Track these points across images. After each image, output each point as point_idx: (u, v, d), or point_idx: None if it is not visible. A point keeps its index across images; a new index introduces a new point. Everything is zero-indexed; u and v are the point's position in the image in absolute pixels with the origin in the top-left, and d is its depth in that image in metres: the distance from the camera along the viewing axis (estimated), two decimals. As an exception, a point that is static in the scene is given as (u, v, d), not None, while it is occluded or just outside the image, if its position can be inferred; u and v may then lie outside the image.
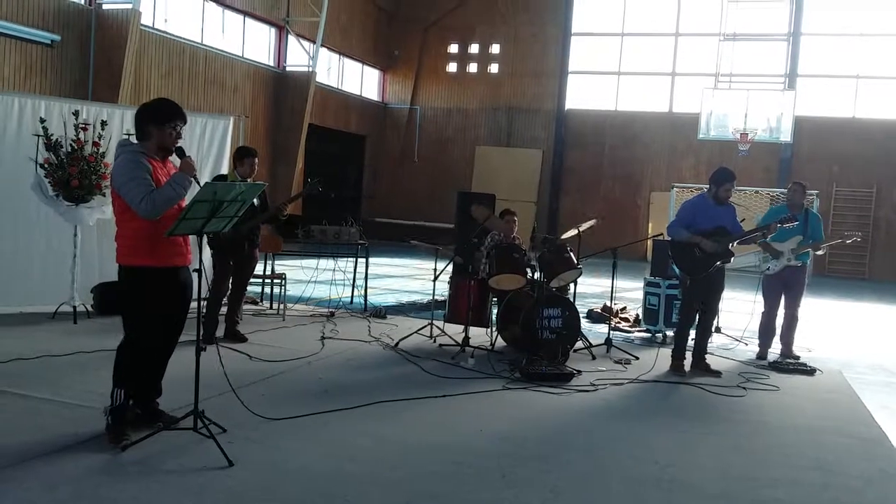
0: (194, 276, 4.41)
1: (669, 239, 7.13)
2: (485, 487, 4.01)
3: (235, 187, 4.38)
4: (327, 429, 4.76)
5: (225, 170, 8.76)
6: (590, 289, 12.64)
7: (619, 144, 23.26)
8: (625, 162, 23.16)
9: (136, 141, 4.39)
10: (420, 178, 24.48)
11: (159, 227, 4.15)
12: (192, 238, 4.43)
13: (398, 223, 22.57)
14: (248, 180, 6.95)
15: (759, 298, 8.08)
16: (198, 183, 4.32)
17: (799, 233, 7.69)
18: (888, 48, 21.09)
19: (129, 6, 14.17)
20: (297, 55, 20.45)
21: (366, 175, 24.55)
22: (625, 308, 10.21)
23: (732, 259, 7.09)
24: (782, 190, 19.32)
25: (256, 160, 7.11)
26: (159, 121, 4.30)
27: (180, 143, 4.43)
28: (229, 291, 7.15)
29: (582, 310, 10.31)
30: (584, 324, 9.42)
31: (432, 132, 25.15)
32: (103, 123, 7.75)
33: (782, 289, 7.81)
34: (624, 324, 9.51)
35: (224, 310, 7.17)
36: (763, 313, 7.91)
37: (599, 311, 10.02)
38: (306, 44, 20.28)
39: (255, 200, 6.96)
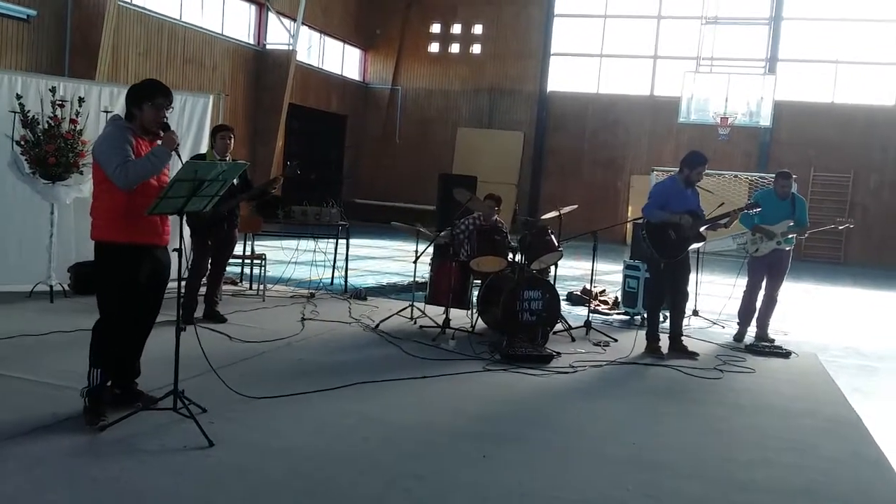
0: (174, 255, 4.39)
1: (644, 221, 7.16)
2: (466, 467, 4.04)
3: (217, 166, 4.37)
4: (308, 409, 4.77)
5: (204, 148, 8.67)
6: (570, 271, 12.67)
7: (601, 127, 23.29)
8: (606, 145, 23.21)
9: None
10: (401, 159, 24.37)
11: (137, 203, 4.11)
12: (172, 218, 4.39)
13: (379, 204, 22.49)
14: (228, 158, 6.90)
15: (740, 281, 8.17)
16: (179, 158, 4.29)
17: (789, 216, 7.78)
18: (867, 34, 21.22)
19: (107, -19, 13.92)
20: (278, 33, 20.22)
21: (347, 156, 24.40)
22: (604, 291, 10.27)
23: (705, 242, 7.19)
24: (761, 174, 19.59)
25: (231, 135, 7.04)
26: (142, 100, 4.27)
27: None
28: (208, 272, 7.10)
29: (562, 292, 10.38)
30: (564, 306, 9.48)
31: (414, 113, 25.03)
32: (80, 100, 7.63)
33: (766, 271, 7.90)
34: (603, 306, 9.57)
35: (203, 290, 7.13)
36: (744, 293, 8.00)
37: (579, 293, 10.08)
38: (287, 22, 20.05)
39: (234, 180, 6.92)
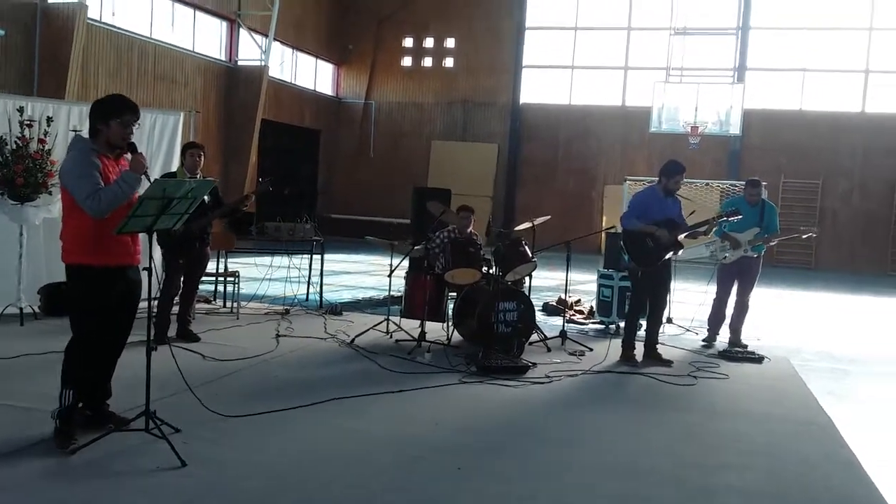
0: (144, 274, 4.35)
1: (622, 230, 7.22)
2: (445, 480, 4.04)
3: (185, 184, 4.35)
4: (285, 426, 4.74)
5: (175, 166, 8.62)
6: (545, 282, 12.73)
7: (574, 138, 23.47)
8: (579, 155, 23.38)
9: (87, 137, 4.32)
10: (376, 173, 24.36)
11: (106, 224, 4.07)
12: (142, 237, 4.36)
13: (354, 219, 22.44)
14: (199, 175, 6.87)
15: (711, 288, 8.26)
16: (148, 179, 4.26)
17: (755, 224, 7.88)
18: (834, 41, 21.62)
19: (76, 0, 13.85)
20: (250, 49, 20.21)
21: (321, 171, 24.36)
22: (579, 300, 10.33)
23: (682, 251, 7.25)
24: (732, 182, 19.78)
25: (201, 152, 7.02)
26: (109, 116, 4.20)
27: (132, 140, 4.35)
28: (181, 290, 7.04)
29: (537, 303, 10.42)
30: (540, 316, 9.53)
31: (387, 127, 25.06)
32: (49, 120, 7.55)
33: (735, 277, 7.99)
34: (578, 316, 9.62)
35: (176, 309, 7.07)
36: (714, 300, 8.10)
37: (554, 303, 10.12)
38: (258, 38, 20.05)
39: (206, 197, 6.88)
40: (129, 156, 4.27)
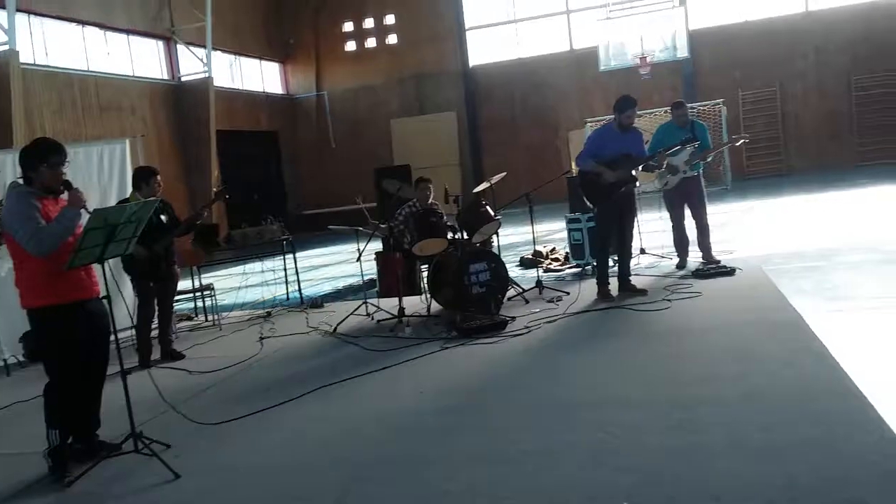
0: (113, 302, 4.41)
1: (577, 171, 7.31)
2: (435, 443, 4.16)
3: (127, 209, 4.38)
4: (273, 422, 4.85)
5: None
6: (522, 237, 12.85)
7: (529, 91, 23.48)
8: (537, 108, 23.41)
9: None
10: (340, 163, 24.34)
11: (57, 263, 4.13)
12: (96, 267, 4.41)
13: (325, 212, 22.44)
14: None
15: (665, 215, 8.38)
16: (88, 212, 4.30)
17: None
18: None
19: (6, 47, 13.72)
20: (191, 63, 20.08)
21: (285, 170, 24.33)
22: (554, 249, 10.44)
23: (639, 183, 7.35)
24: (690, 105, 19.87)
25: (159, 177, 7.02)
26: (36, 163, 4.24)
27: (67, 177, 4.38)
28: (157, 313, 7.10)
29: (514, 258, 10.57)
30: (518, 271, 9.68)
31: (344, 115, 25.00)
32: (-5, 172, 7.55)
33: (684, 201, 8.12)
34: (555, 264, 9.74)
35: (157, 333, 7.13)
36: (673, 227, 8.22)
37: (531, 256, 10.22)
38: (198, 50, 19.90)
39: (162, 218, 6.92)
40: (65, 195, 4.31)
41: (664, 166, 7.70)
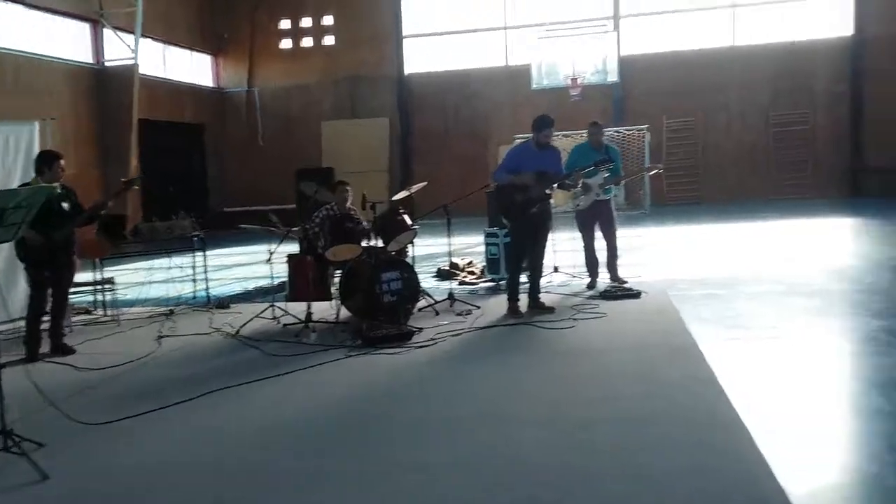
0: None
1: (493, 186, 7.36)
2: (328, 454, 4.07)
3: (17, 194, 4.22)
4: (158, 426, 4.68)
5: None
6: (442, 248, 12.81)
7: (462, 103, 23.57)
8: (469, 119, 23.52)
9: None
10: (268, 161, 23.90)
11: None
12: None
13: (247, 210, 21.94)
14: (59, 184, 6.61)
15: (577, 235, 8.52)
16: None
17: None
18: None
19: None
20: (118, 49, 19.45)
21: (209, 165, 23.77)
22: (471, 262, 10.47)
23: (553, 202, 7.44)
24: (616, 129, 20.33)
25: (62, 162, 6.73)
26: None
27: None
28: (49, 304, 6.78)
29: (431, 269, 10.54)
30: (434, 282, 9.65)
31: (275, 112, 24.61)
32: None
33: (595, 221, 8.27)
34: (471, 277, 9.77)
35: (48, 325, 6.81)
36: (584, 247, 8.36)
37: (448, 268, 10.22)
38: (126, 36, 19.28)
39: (64, 205, 6.65)
40: None
41: (580, 185, 7.82)
